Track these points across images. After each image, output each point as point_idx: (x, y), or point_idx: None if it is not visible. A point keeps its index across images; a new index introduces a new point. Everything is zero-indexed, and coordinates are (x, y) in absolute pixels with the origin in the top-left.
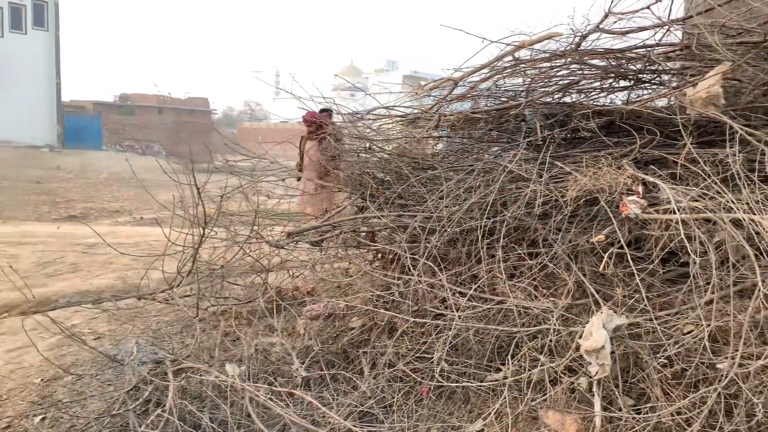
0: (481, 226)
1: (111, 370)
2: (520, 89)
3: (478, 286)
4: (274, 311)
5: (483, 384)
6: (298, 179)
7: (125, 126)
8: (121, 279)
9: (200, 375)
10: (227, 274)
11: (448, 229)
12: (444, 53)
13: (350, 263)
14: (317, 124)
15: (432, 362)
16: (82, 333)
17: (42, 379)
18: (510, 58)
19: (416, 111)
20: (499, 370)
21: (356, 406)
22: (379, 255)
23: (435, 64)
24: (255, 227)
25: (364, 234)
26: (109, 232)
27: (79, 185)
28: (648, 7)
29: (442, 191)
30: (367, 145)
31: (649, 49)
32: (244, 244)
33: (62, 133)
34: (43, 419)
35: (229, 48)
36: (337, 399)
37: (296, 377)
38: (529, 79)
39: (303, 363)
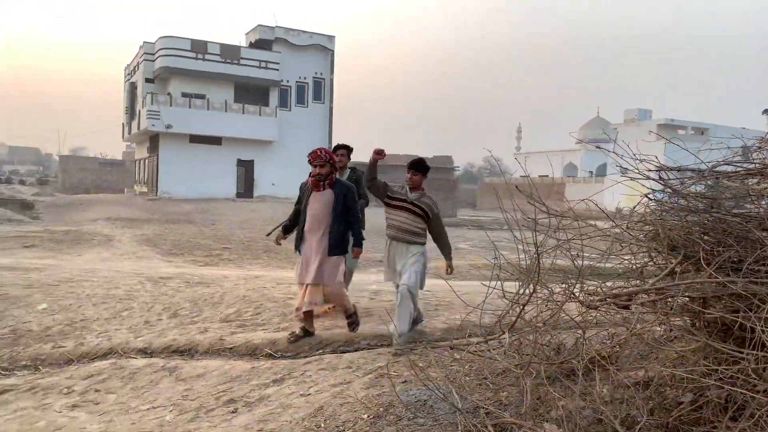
0: None
1: (425, 413)
2: None
3: None
4: (596, 373)
5: None
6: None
7: None
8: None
9: None
10: (545, 331)
11: None
12: (701, 100)
13: (671, 330)
14: (332, 164)
15: None
16: (388, 375)
17: (368, 416)
18: None
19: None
20: None
21: None
22: (704, 324)
23: (694, 111)
24: (568, 285)
25: (688, 299)
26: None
27: None
28: None
29: None
30: (709, 204)
31: None
32: (562, 302)
33: None
34: None
35: (468, 106)
36: None
37: None
38: None
39: None
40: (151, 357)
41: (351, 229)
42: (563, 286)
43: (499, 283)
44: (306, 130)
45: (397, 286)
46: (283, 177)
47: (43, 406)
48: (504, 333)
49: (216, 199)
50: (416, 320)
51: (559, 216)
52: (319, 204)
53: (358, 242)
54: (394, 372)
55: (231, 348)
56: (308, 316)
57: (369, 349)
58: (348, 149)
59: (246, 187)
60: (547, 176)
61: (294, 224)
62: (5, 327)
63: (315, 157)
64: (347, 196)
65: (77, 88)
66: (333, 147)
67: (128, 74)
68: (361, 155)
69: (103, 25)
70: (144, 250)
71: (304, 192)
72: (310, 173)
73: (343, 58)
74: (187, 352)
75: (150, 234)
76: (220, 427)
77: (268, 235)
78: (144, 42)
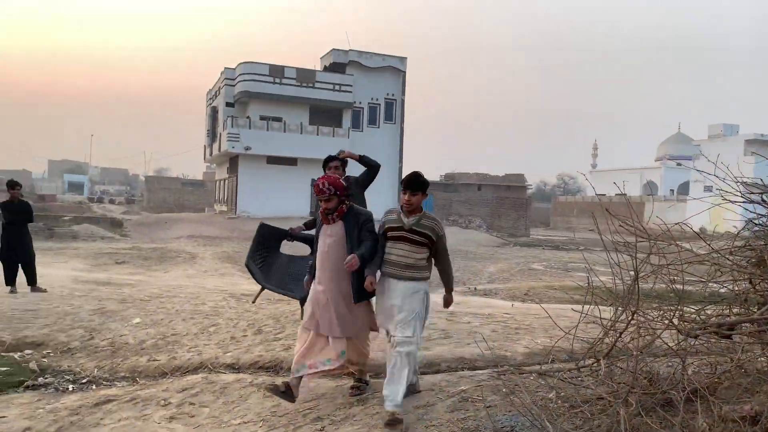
0: None
1: None
2: None
3: None
4: (698, 404)
5: None
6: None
7: (452, 202)
8: (491, 350)
9: None
10: (641, 359)
11: None
12: None
13: None
14: (343, 194)
15: None
16: (473, 399)
17: None
18: None
19: None
20: None
21: None
22: None
23: None
24: (665, 311)
25: None
26: (461, 301)
27: None
28: None
29: None
30: None
31: None
32: (661, 330)
33: None
34: None
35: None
36: None
37: None
38: None
39: None
40: (239, 372)
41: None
42: (660, 312)
43: (590, 307)
44: (378, 150)
45: (389, 335)
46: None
47: (144, 416)
48: (599, 360)
49: (291, 217)
50: (411, 388)
51: (654, 239)
52: (330, 239)
53: (361, 257)
54: (478, 396)
55: None
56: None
57: (450, 372)
58: (342, 161)
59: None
60: (625, 195)
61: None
62: (104, 339)
63: (318, 192)
64: (362, 227)
65: (162, 113)
66: (324, 159)
67: (210, 99)
68: (431, 173)
69: (187, 53)
70: (225, 267)
71: (317, 221)
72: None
73: (414, 78)
74: (273, 368)
75: (230, 251)
76: None
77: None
78: (225, 68)
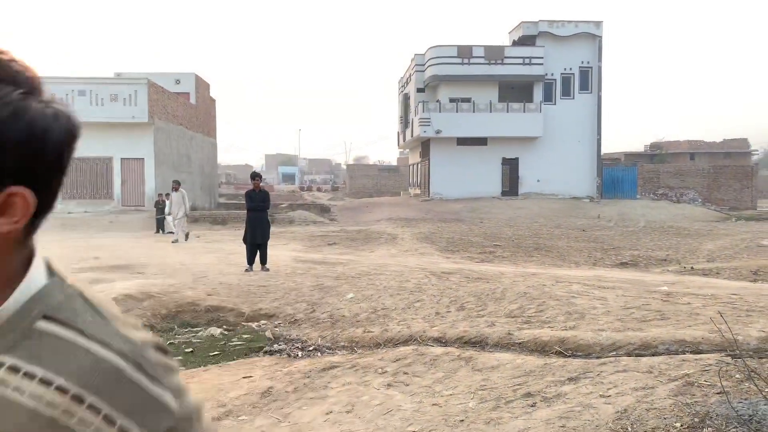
0: None
1: (752, 428)
2: None
3: None
4: None
5: None
6: None
7: (659, 174)
8: (717, 332)
9: None
10: None
11: None
12: None
13: None
14: None
15: None
16: (700, 384)
17: (681, 425)
18: None
19: None
20: None
21: None
22: None
23: None
24: None
25: None
26: (676, 281)
27: (619, 233)
28: None
29: None
30: None
31: None
32: None
33: (601, 184)
34: None
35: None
36: None
37: None
38: None
39: None
40: (446, 346)
41: None
42: None
43: None
44: (573, 123)
45: None
46: (549, 173)
47: (364, 382)
48: None
49: (482, 198)
50: None
51: None
52: None
53: None
54: (705, 381)
55: (519, 343)
56: None
57: (669, 354)
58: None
59: (511, 185)
60: None
61: None
62: (324, 312)
63: None
64: None
65: (358, 105)
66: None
67: (401, 86)
68: (634, 144)
69: (377, 47)
70: (424, 247)
71: None
72: None
73: (612, 43)
74: (478, 344)
75: (426, 232)
76: (521, 419)
77: None
78: (415, 54)
